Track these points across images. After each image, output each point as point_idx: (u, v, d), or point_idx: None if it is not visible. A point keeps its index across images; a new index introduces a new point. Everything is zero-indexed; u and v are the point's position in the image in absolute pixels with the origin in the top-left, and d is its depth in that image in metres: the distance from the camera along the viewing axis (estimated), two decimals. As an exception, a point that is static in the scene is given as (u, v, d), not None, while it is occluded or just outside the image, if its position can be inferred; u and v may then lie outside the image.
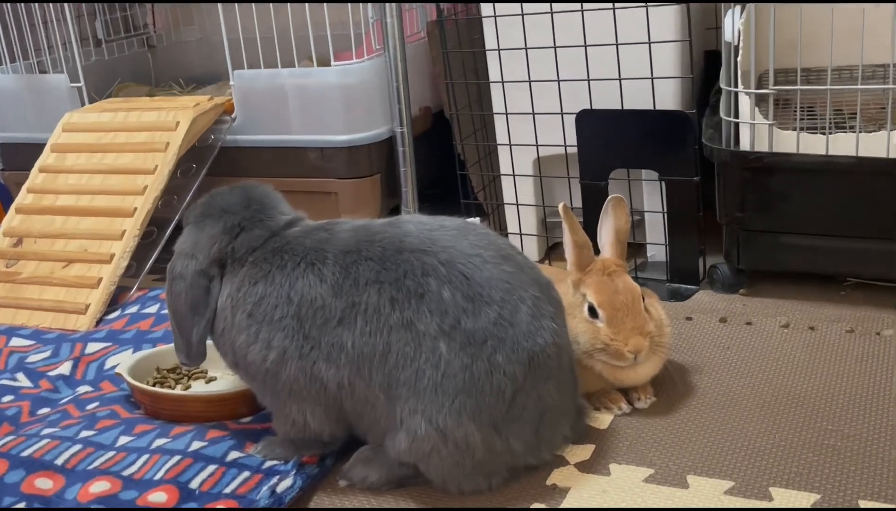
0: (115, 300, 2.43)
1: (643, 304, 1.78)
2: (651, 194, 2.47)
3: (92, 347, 2.17)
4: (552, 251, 2.67)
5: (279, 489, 1.55)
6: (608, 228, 1.87)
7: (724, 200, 2.26)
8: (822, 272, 2.25)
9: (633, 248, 2.53)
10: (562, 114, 2.45)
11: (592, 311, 1.77)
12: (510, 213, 2.67)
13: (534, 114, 2.49)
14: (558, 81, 2.42)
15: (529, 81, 2.46)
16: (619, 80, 2.33)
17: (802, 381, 1.87)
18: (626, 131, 2.35)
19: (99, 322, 2.35)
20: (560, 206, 1.83)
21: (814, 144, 2.11)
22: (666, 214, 2.38)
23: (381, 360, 1.51)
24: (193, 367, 1.86)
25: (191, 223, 1.71)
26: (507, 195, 2.66)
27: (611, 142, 2.39)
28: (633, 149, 2.36)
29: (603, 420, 1.79)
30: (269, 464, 1.64)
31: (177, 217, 2.57)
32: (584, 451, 1.69)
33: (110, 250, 2.46)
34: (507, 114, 2.55)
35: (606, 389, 1.84)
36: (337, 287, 1.55)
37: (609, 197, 1.88)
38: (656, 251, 2.53)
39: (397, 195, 2.79)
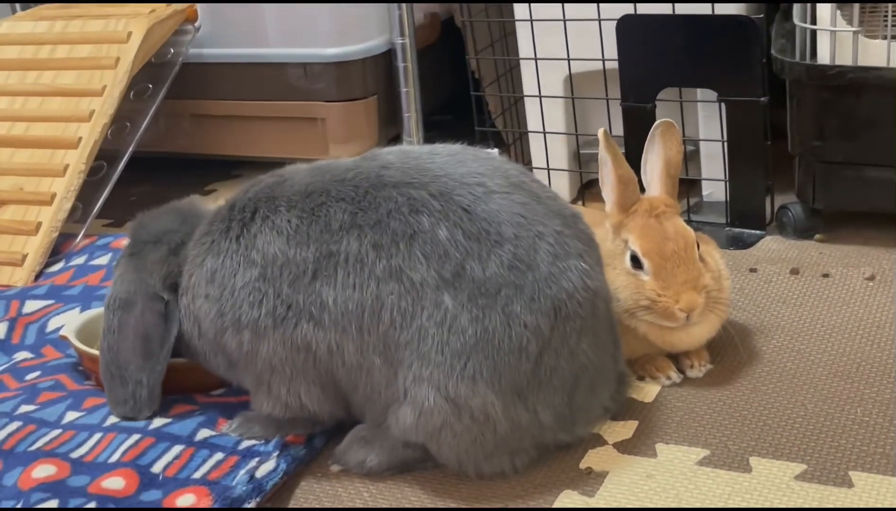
0: (58, 250, 2.44)
1: (698, 253, 1.78)
2: (708, 119, 2.45)
3: (31, 306, 2.19)
4: (586, 189, 2.67)
5: (259, 474, 1.57)
6: (656, 160, 1.86)
7: (797, 126, 2.25)
8: (917, 213, 2.25)
9: (686, 185, 2.54)
10: (599, 20, 2.42)
11: (636, 261, 1.77)
12: (536, 144, 2.67)
13: (564, 20, 2.47)
14: (595, -20, 2.40)
15: (560, -20, 2.45)
16: (670, -23, 2.32)
17: (890, 345, 1.87)
18: (678, 41, 2.33)
19: (38, 276, 2.37)
20: (600, 133, 1.82)
21: (908, 57, 2.10)
22: (726, 144, 2.37)
23: (372, 319, 1.52)
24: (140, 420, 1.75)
25: (125, 256, 1.75)
26: (532, 122, 2.65)
27: (659, 55, 2.37)
28: (685, 63, 2.34)
29: (648, 391, 1.80)
30: (246, 444, 1.65)
31: (130, 149, 2.58)
32: (625, 429, 1.70)
33: (50, 189, 2.47)
34: (531, 21, 2.53)
35: (652, 355, 1.84)
36: (300, 236, 1.56)
37: (657, 122, 1.87)
38: (714, 189, 2.53)
39: (397, 122, 2.78)
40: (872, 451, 1.59)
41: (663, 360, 1.84)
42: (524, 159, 2.75)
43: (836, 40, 2.15)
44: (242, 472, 1.57)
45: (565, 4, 2.46)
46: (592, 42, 2.45)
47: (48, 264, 2.40)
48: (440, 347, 1.50)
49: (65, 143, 2.52)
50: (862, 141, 2.18)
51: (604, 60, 2.46)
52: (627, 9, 2.37)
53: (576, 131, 2.60)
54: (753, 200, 2.39)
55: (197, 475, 1.58)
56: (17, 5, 3.01)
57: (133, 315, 1.70)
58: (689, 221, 2.43)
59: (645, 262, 1.76)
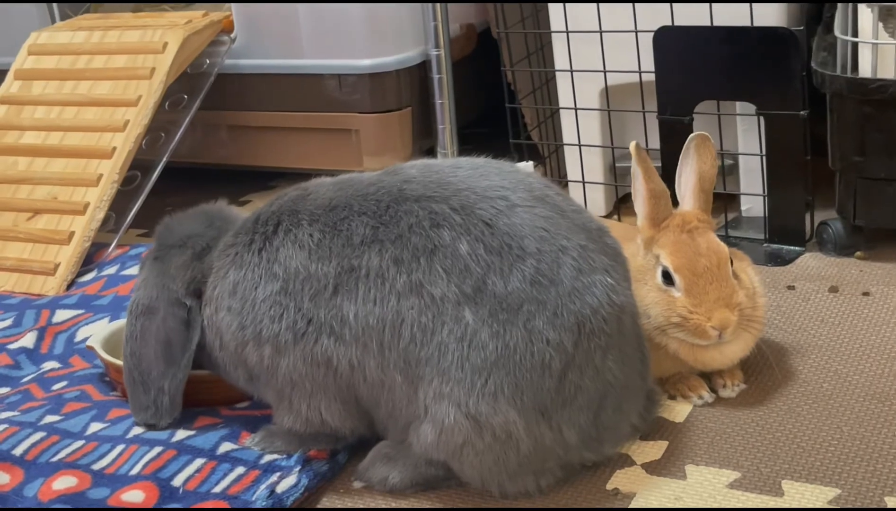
0: (90, 259, 2.45)
1: (731, 269, 1.74)
2: (747, 133, 2.42)
3: (61, 315, 2.19)
4: (622, 203, 2.63)
5: (280, 489, 1.55)
6: (690, 174, 1.83)
7: (838, 141, 2.21)
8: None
9: (725, 200, 2.50)
10: (636, 32, 2.40)
11: (667, 277, 1.74)
12: (571, 157, 2.64)
13: (601, 32, 2.45)
14: (632, -9, 2.38)
15: (596, -9, 2.43)
16: (709, -11, 2.29)
17: (931, 366, 1.83)
18: (716, 54, 2.30)
19: (70, 285, 2.38)
20: (631, 146, 1.79)
21: (953, 70, 2.05)
22: (765, 158, 2.33)
23: (393, 334, 1.50)
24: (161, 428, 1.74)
25: (150, 259, 1.75)
26: (568, 134, 2.62)
27: (697, 67, 2.34)
28: (724, 76, 2.31)
29: (679, 411, 1.76)
30: (267, 458, 1.64)
31: (164, 159, 2.58)
32: (654, 449, 1.66)
33: (84, 199, 2.48)
34: (567, 32, 2.51)
35: (684, 374, 1.81)
36: (322, 250, 1.55)
37: (691, 135, 1.83)
38: (753, 204, 2.48)
39: (432, 134, 2.77)
40: (910, 476, 1.54)
41: (695, 379, 1.80)
42: (560, 172, 2.72)
43: (877, 53, 2.10)
44: (263, 486, 1.56)
45: (601, 15, 2.43)
46: (629, 54, 2.43)
47: (80, 274, 2.41)
48: (461, 363, 1.47)
49: (99, 153, 2.53)
50: (905, 157, 2.13)
51: (640, 72, 2.43)
52: (665, 20, 2.34)
53: (612, 144, 2.57)
54: (793, 216, 2.34)
55: (217, 489, 1.56)
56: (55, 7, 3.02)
57: (155, 321, 1.69)
58: (726, 237, 2.41)
59: (676, 278, 1.72)
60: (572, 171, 2.64)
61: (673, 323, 1.73)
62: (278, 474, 1.59)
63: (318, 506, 1.60)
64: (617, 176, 2.62)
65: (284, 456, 1.64)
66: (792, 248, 2.34)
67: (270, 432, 1.69)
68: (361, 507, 1.59)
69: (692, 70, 2.34)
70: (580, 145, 2.58)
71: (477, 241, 1.50)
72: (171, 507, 1.54)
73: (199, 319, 1.69)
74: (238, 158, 2.93)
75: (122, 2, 3.24)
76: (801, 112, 2.24)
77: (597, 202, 2.62)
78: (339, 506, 1.60)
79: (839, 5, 2.18)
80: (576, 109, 2.57)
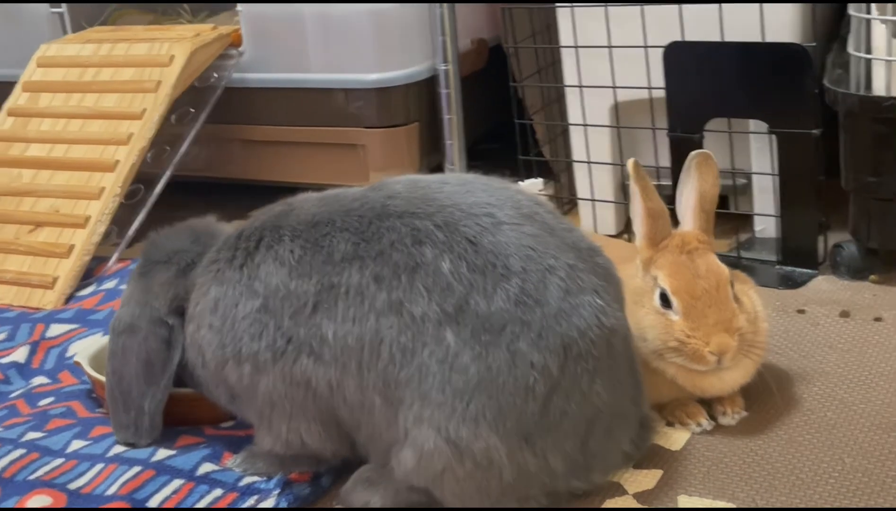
0: (91, 273, 2.43)
1: (731, 292, 1.68)
2: (760, 151, 2.36)
3: (55, 330, 2.17)
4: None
5: (256, 513, 1.51)
6: (690, 193, 1.77)
7: (851, 161, 2.14)
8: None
9: (738, 221, 2.44)
10: (646, 47, 2.35)
11: (665, 300, 1.68)
12: (581, 174, 2.59)
13: (610, 47, 2.40)
14: (642, 5, 2.32)
15: (606, 4, 2.38)
16: (720, 1, 2.23)
17: (942, 396, 1.76)
18: (727, 69, 2.25)
19: (69, 299, 2.35)
20: (629, 163, 1.74)
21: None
22: (778, 178, 2.26)
23: (371, 355, 1.46)
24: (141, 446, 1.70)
25: (135, 275, 1.72)
26: (578, 152, 2.58)
27: (707, 83, 2.28)
28: (735, 92, 2.26)
29: (676, 439, 1.70)
30: (247, 480, 1.60)
31: (167, 173, 2.56)
32: (647, 478, 1.60)
33: (86, 212, 2.46)
34: (576, 47, 2.46)
35: (682, 400, 1.75)
36: (302, 267, 1.51)
37: (693, 153, 1.78)
38: (766, 225, 2.43)
39: (440, 150, 2.73)
40: (913, 512, 1.47)
41: (694, 406, 1.74)
42: (571, 190, 2.67)
43: (891, 70, 2.04)
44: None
45: (612, 30, 2.39)
46: (639, 69, 2.38)
47: (79, 287, 2.38)
48: (441, 386, 1.43)
49: (102, 166, 2.51)
50: (919, 178, 2.06)
51: (650, 88, 2.38)
52: (675, 35, 2.29)
53: (621, 162, 2.51)
54: (806, 238, 2.28)
55: (193, 513, 1.52)
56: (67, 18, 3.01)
57: (137, 339, 1.66)
58: (738, 258, 2.34)
59: (674, 300, 1.67)
60: (582, 190, 2.60)
61: (670, 347, 1.67)
62: (256, 497, 1.55)
63: (298, 530, 1.56)
64: (627, 194, 2.56)
65: (265, 478, 1.60)
66: (804, 270, 2.28)
67: (252, 453, 1.65)
68: (342, 533, 1.55)
69: (703, 86, 2.29)
70: (589, 162, 2.53)
71: (460, 258, 1.46)
72: (144, 529, 1.50)
73: (182, 338, 1.65)
74: (246, 173, 2.90)
75: (143, 1, 3.23)
76: (815, 131, 2.17)
77: (607, 221, 2.57)
78: (318, 531, 1.55)
79: (853, 20, 2.12)
80: (585, 126, 2.52)
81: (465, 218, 1.49)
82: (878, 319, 2.04)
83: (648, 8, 2.33)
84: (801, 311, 2.10)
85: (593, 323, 1.47)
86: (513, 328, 1.43)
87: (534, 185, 2.73)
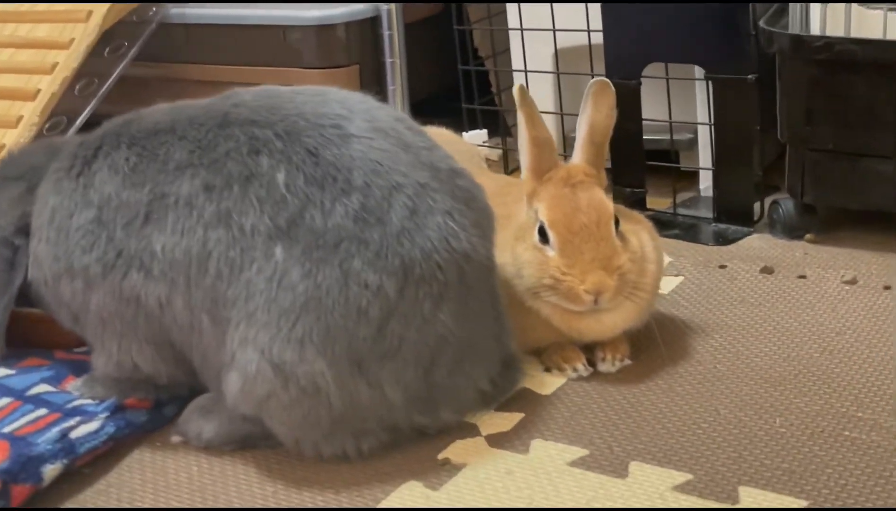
0: (4, 203, 2.35)
1: (615, 229, 1.56)
2: (704, 103, 2.22)
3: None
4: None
5: (74, 434, 1.41)
6: (582, 123, 1.65)
7: (785, 109, 2.01)
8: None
9: (688, 178, 2.30)
10: (586, -8, 2.24)
11: (543, 234, 1.56)
12: (522, 124, 2.47)
13: (552, -7, 2.29)
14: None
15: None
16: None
17: (844, 353, 1.62)
18: (663, 12, 2.12)
19: (-22, 230, 2.27)
20: (515, 89, 1.63)
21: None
22: (713, 127, 2.13)
23: (199, 270, 1.36)
24: None
25: None
26: (521, 99, 2.46)
27: (643, 27, 2.16)
28: (670, 36, 2.13)
29: (548, 383, 1.59)
30: (77, 403, 1.51)
31: (91, 105, 2.48)
32: (504, 421, 1.49)
33: (2, 139, 2.38)
34: (518, -9, 2.36)
35: (561, 344, 1.63)
36: (136, 176, 1.42)
37: (591, 81, 1.65)
38: (710, 182, 2.29)
39: (383, 96, 2.62)
40: (776, 465, 1.35)
41: (572, 351, 1.62)
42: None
43: (827, 9, 1.90)
44: (55, 430, 1.42)
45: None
46: (580, 16, 2.26)
47: (-10, 220, 2.30)
48: (267, 305, 1.33)
49: (23, 95, 2.43)
50: (858, 126, 1.92)
51: (589, 32, 2.25)
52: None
53: (560, 111, 2.39)
54: (741, 194, 2.15)
55: (7, 429, 1.43)
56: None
57: None
58: (674, 215, 2.22)
59: (551, 234, 1.55)
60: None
61: (544, 284, 1.55)
62: (78, 418, 1.45)
63: (125, 458, 1.46)
64: (568, 145, 2.44)
65: (97, 402, 1.51)
66: (739, 227, 2.15)
67: (93, 378, 1.56)
68: (169, 462, 1.45)
69: (639, 30, 2.16)
70: (528, 111, 2.41)
71: (297, 170, 1.36)
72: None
73: (25, 259, 1.55)
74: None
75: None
76: (749, 76, 2.04)
77: (547, 173, 2.46)
78: (146, 459, 1.46)
79: (792, -43, 1.99)
80: (525, 72, 2.40)
81: (309, 128, 1.39)
82: (801, 277, 1.90)
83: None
84: (722, 266, 1.97)
85: (442, 246, 1.36)
86: (348, 246, 1.32)
87: (477, 137, 2.62)
